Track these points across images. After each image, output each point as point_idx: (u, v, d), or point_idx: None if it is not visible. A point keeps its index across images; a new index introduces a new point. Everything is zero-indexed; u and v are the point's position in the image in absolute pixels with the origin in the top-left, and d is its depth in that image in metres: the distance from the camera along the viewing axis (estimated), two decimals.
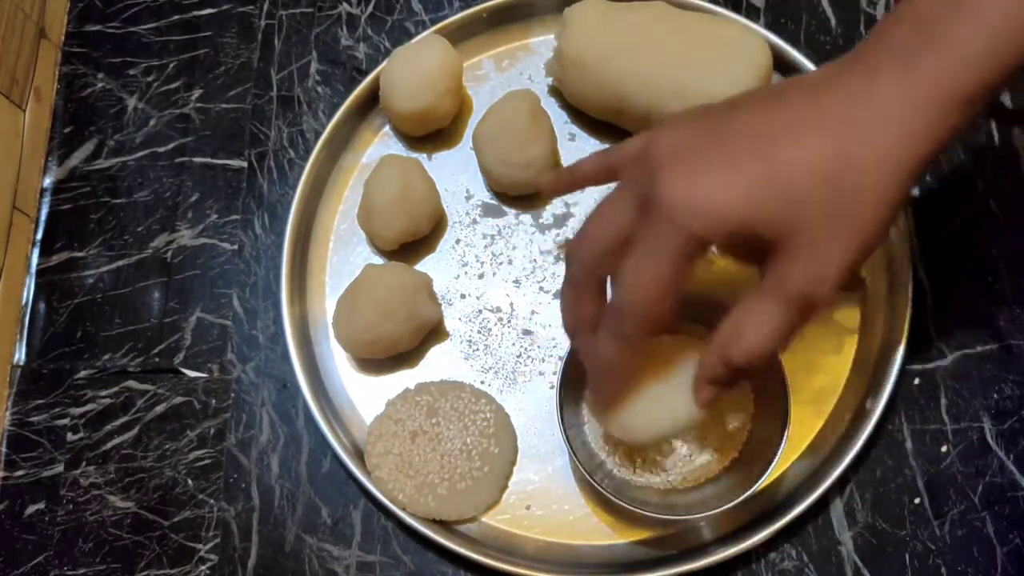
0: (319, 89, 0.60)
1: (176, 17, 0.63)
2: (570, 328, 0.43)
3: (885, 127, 0.35)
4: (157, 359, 0.56)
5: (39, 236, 0.59)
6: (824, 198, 0.35)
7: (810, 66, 0.55)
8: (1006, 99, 0.56)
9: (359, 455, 0.52)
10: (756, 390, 0.50)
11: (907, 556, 0.49)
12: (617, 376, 0.43)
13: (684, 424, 0.44)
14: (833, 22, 0.59)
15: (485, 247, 0.56)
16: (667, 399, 0.44)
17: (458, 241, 0.56)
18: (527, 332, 0.54)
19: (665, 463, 0.50)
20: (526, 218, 0.56)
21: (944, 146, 0.35)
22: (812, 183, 0.35)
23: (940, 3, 0.34)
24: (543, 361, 0.54)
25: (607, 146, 0.56)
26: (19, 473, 0.54)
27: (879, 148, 0.35)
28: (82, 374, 0.56)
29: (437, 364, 0.54)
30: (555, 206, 0.56)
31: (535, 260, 0.55)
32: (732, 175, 0.36)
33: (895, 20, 0.36)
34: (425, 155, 0.58)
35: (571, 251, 0.41)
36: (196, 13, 0.62)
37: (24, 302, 0.58)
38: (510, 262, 0.56)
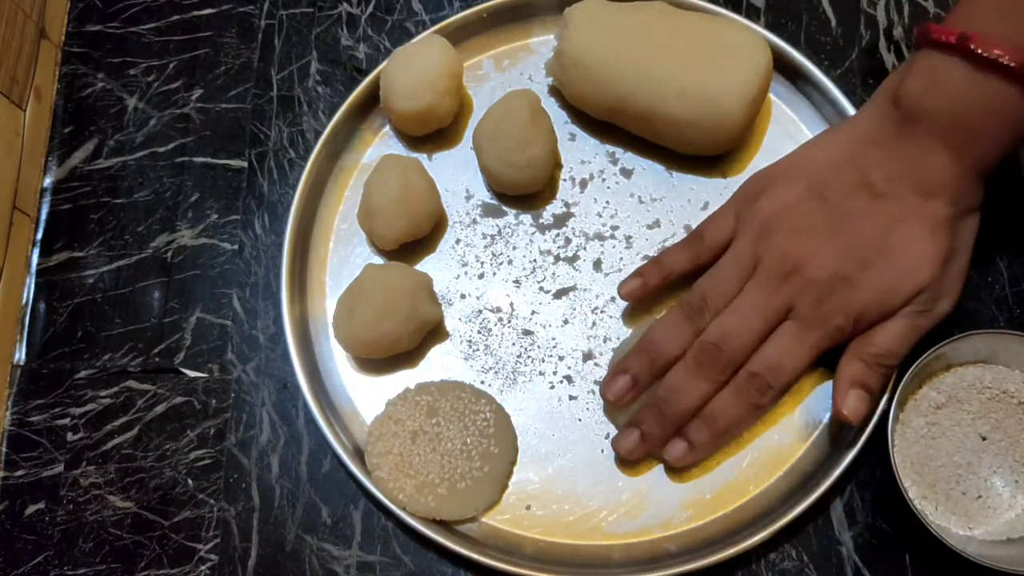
0: (319, 89, 0.60)
1: (176, 17, 0.63)
2: (688, 396, 0.49)
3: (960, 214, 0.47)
4: (157, 359, 0.56)
5: (39, 236, 0.59)
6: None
7: (810, 66, 0.55)
8: None
9: (359, 455, 0.52)
10: None
11: (907, 556, 0.49)
12: (729, 437, 0.50)
13: None
14: (833, 22, 0.59)
15: (485, 247, 0.56)
16: None
17: (458, 241, 0.56)
18: (527, 332, 0.54)
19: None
20: (526, 218, 0.56)
21: None
22: (929, 275, 0.46)
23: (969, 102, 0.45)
24: (543, 361, 0.54)
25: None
26: (19, 473, 0.54)
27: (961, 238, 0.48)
28: (82, 374, 0.56)
29: (437, 364, 0.54)
30: (555, 206, 0.56)
31: (535, 260, 0.56)
32: (868, 289, 0.46)
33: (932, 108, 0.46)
34: (425, 155, 0.58)
35: (719, 342, 0.48)
36: (196, 13, 0.62)
37: (24, 302, 0.58)
38: (510, 262, 0.56)
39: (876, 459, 0.50)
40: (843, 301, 0.47)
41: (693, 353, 0.48)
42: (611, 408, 0.51)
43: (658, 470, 0.51)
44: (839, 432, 0.51)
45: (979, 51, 0.43)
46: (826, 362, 0.52)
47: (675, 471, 0.51)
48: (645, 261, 0.54)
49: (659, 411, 0.49)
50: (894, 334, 0.47)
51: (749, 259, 0.49)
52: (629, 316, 0.54)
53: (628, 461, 0.51)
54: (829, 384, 0.52)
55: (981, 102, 0.44)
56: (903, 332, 0.47)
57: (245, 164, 0.59)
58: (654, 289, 0.52)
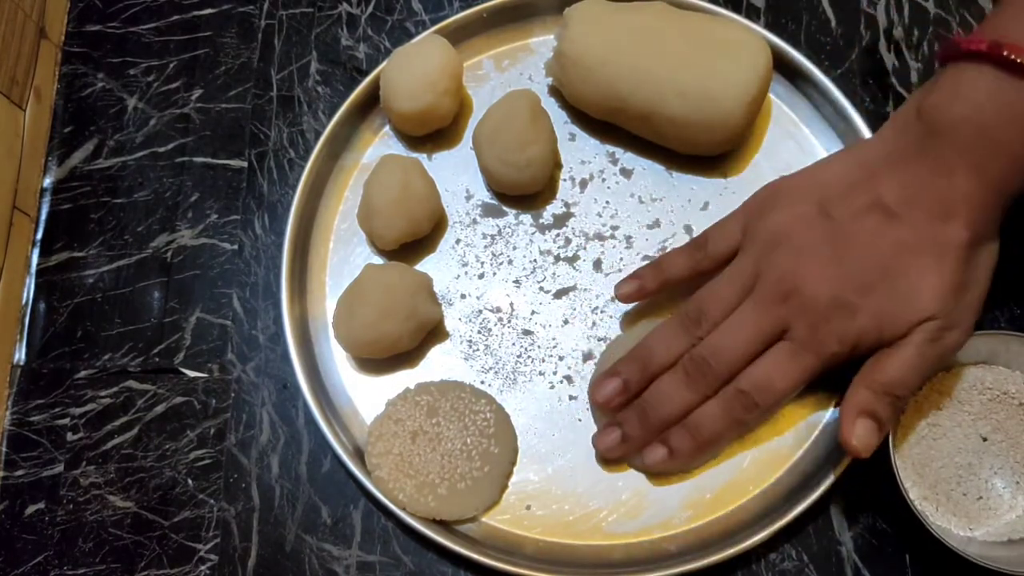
0: (319, 89, 0.60)
1: (176, 17, 0.63)
2: (677, 404, 0.48)
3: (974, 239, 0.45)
4: (157, 359, 0.56)
5: (39, 236, 0.59)
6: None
7: (810, 66, 0.55)
8: None
9: (359, 455, 0.52)
10: None
11: (907, 556, 0.49)
12: (710, 449, 0.50)
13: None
14: (833, 22, 0.59)
15: (485, 247, 0.56)
16: None
17: (458, 241, 0.56)
18: (527, 332, 0.54)
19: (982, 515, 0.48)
20: (526, 218, 0.56)
21: None
22: (933, 306, 0.44)
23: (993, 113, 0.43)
24: (543, 361, 0.54)
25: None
26: (19, 473, 0.54)
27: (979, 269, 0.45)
28: (82, 374, 0.56)
29: (437, 364, 0.54)
30: (555, 206, 0.56)
31: (535, 260, 0.55)
32: (866, 316, 0.45)
33: (955, 122, 0.44)
34: (425, 155, 0.58)
35: (709, 357, 0.47)
36: (196, 13, 0.62)
37: (24, 302, 0.58)
38: (510, 262, 0.56)
39: (876, 459, 0.50)
40: (840, 327, 0.45)
41: (683, 364, 0.48)
42: (598, 410, 0.52)
43: None
44: (839, 432, 0.50)
45: (1012, 56, 0.42)
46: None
47: (656, 476, 0.51)
48: (646, 261, 0.54)
49: (643, 414, 0.49)
50: (902, 363, 0.45)
51: (750, 275, 0.47)
52: (629, 317, 0.54)
53: (607, 459, 0.51)
54: (828, 385, 0.52)
55: (1008, 110, 0.43)
56: (912, 361, 0.45)
57: (245, 164, 0.59)
58: (651, 293, 0.52)
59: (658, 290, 0.52)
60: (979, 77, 0.43)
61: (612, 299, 0.54)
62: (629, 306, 0.54)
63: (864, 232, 0.46)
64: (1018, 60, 0.42)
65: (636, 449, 0.50)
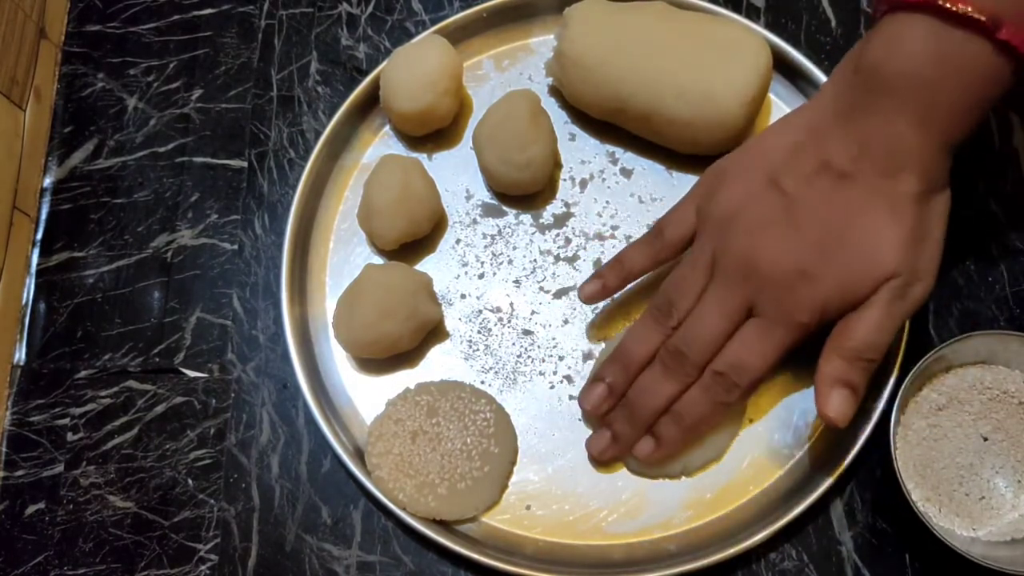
0: (319, 89, 0.60)
1: (176, 17, 0.63)
2: (655, 395, 0.49)
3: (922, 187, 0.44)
4: (157, 359, 0.56)
5: (39, 236, 0.59)
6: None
7: (810, 66, 0.55)
8: None
9: (359, 455, 0.52)
10: None
11: (907, 556, 0.49)
12: (696, 434, 0.49)
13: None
14: (833, 22, 0.59)
15: (485, 247, 0.56)
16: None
17: (458, 241, 0.56)
18: (527, 332, 0.54)
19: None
20: (526, 218, 0.56)
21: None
22: (894, 261, 0.44)
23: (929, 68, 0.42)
24: (543, 361, 0.54)
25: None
26: (19, 473, 0.54)
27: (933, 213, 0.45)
28: (82, 374, 0.56)
29: (437, 364, 0.54)
30: (555, 206, 0.56)
31: (535, 260, 0.55)
32: (828, 282, 0.44)
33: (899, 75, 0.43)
34: (425, 155, 0.58)
35: (682, 347, 0.47)
36: (196, 13, 0.62)
37: (24, 302, 0.58)
38: (510, 262, 0.56)
39: (876, 459, 0.50)
40: (804, 297, 0.45)
41: (660, 358, 0.48)
42: (589, 419, 0.52)
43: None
44: (839, 432, 0.50)
45: (948, 5, 0.40)
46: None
47: (656, 474, 0.51)
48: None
49: (629, 413, 0.49)
50: (870, 324, 0.44)
51: (708, 259, 0.47)
52: (621, 319, 0.54)
53: (602, 462, 0.51)
54: None
55: (947, 61, 0.42)
56: (879, 321, 0.44)
57: (245, 164, 0.59)
58: (614, 290, 0.52)
59: (621, 286, 0.52)
60: (916, 28, 0.42)
61: (612, 298, 0.54)
62: (612, 309, 0.54)
63: (816, 197, 0.45)
64: (954, 9, 0.41)
65: (627, 447, 0.50)
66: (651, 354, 0.49)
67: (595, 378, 0.50)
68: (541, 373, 0.53)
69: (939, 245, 0.45)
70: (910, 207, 0.44)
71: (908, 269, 0.44)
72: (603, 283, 0.51)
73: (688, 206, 0.50)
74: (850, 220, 0.44)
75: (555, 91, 0.58)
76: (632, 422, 0.49)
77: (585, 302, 0.53)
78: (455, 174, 0.57)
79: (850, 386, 0.45)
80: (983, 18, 0.40)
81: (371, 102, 0.58)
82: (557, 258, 0.55)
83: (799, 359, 0.52)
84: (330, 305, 0.55)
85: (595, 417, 0.51)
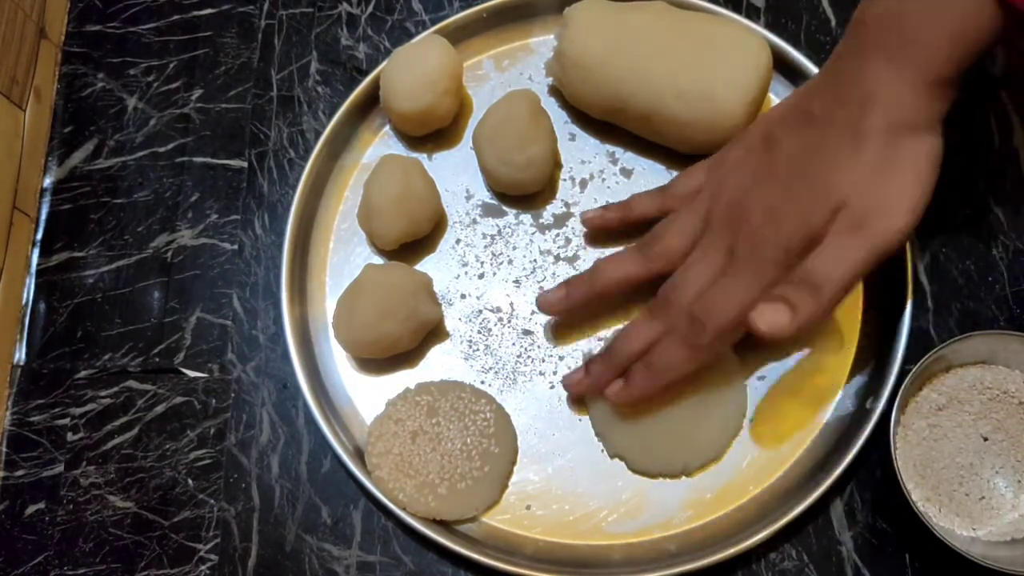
0: (319, 89, 0.60)
1: (176, 17, 0.63)
2: (637, 342, 0.49)
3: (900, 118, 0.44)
4: (157, 359, 0.56)
5: (39, 236, 0.59)
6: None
7: (810, 66, 0.55)
8: None
9: (359, 455, 0.52)
10: None
11: (907, 556, 0.49)
12: (665, 380, 0.49)
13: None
14: (833, 22, 0.59)
15: (485, 247, 0.56)
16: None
17: (458, 241, 0.56)
18: (527, 332, 0.54)
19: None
20: (526, 218, 0.56)
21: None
22: (844, 189, 0.44)
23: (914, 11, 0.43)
24: (543, 361, 0.54)
25: (602, 137, 0.56)
26: (19, 473, 0.54)
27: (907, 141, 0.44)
28: (82, 374, 0.56)
29: (437, 364, 0.54)
30: (555, 206, 0.56)
31: (535, 260, 0.55)
32: (790, 216, 0.45)
33: (877, 24, 0.44)
34: (425, 155, 0.58)
35: (670, 293, 0.48)
36: (196, 13, 0.62)
37: (24, 302, 0.58)
38: (510, 262, 0.56)
39: (876, 459, 0.50)
40: (771, 236, 0.45)
41: (648, 306, 0.50)
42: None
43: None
44: (839, 432, 0.51)
45: None
46: (823, 366, 0.52)
47: (657, 470, 0.51)
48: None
49: (607, 354, 0.50)
50: (822, 255, 0.44)
51: (704, 208, 0.49)
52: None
53: (573, 397, 0.52)
54: (828, 385, 0.52)
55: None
56: (832, 253, 0.44)
57: (245, 164, 0.59)
58: (615, 224, 0.54)
59: (620, 225, 0.54)
60: None
61: (611, 302, 0.54)
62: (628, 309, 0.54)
63: (794, 144, 0.47)
64: None
65: (599, 386, 0.50)
66: (622, 279, 0.51)
67: (560, 284, 0.52)
68: (541, 373, 0.53)
69: (917, 185, 0.44)
70: (873, 138, 0.43)
71: (862, 200, 0.43)
72: (604, 214, 0.54)
73: (700, 166, 0.52)
74: (815, 157, 0.45)
75: (555, 91, 0.58)
76: (607, 362, 0.50)
77: (585, 226, 0.55)
78: (455, 174, 0.57)
79: (786, 302, 0.44)
80: None
81: (371, 102, 0.58)
82: (557, 258, 0.55)
83: (799, 360, 0.52)
84: (330, 305, 0.55)
85: (548, 314, 0.53)
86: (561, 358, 0.54)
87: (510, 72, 0.59)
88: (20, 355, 0.57)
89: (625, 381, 0.49)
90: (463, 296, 0.55)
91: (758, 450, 0.51)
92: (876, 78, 0.44)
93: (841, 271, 0.43)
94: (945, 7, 0.42)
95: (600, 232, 0.55)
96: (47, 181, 0.60)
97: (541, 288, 0.55)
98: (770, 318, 0.43)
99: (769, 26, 0.58)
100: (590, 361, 0.51)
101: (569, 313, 0.53)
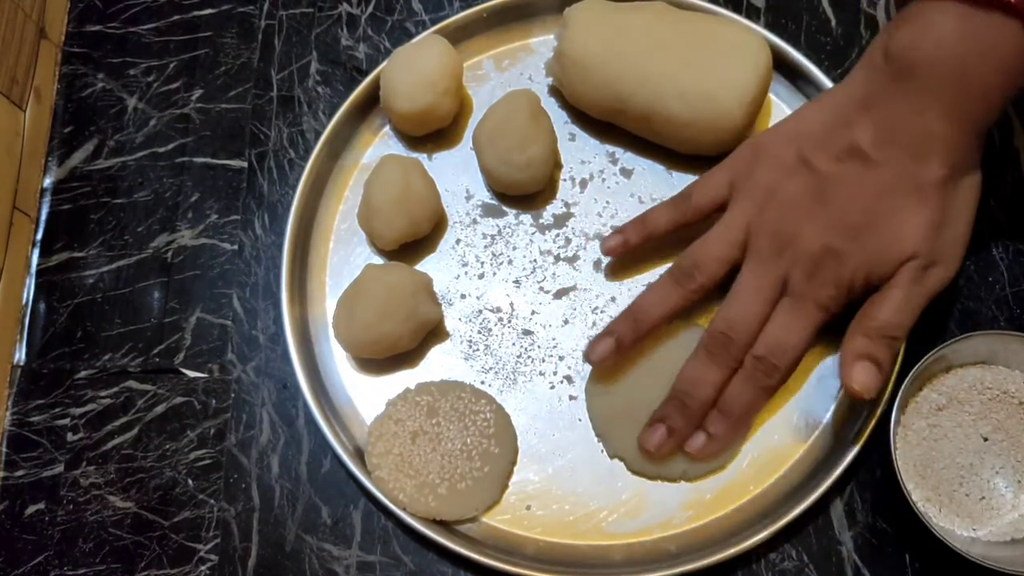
0: (319, 89, 0.60)
1: (176, 17, 0.63)
2: (703, 385, 0.49)
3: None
4: (157, 359, 0.56)
5: (39, 236, 0.59)
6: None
7: (810, 66, 0.55)
8: None
9: (359, 455, 0.52)
10: None
11: (907, 556, 0.49)
12: (745, 425, 0.50)
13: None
14: (833, 22, 0.59)
15: (485, 247, 0.56)
16: None
17: (458, 241, 0.56)
18: (527, 332, 0.54)
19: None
20: (526, 218, 0.56)
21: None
22: (914, 243, 0.46)
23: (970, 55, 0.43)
24: (543, 361, 0.54)
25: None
26: (19, 473, 0.54)
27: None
28: (82, 374, 0.56)
29: (437, 364, 0.54)
30: (555, 206, 0.56)
31: (535, 260, 0.55)
32: (855, 260, 0.46)
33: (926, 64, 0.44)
34: (425, 155, 0.58)
35: (726, 330, 0.48)
36: (196, 13, 0.62)
37: (24, 302, 0.58)
38: (510, 262, 0.56)
39: (876, 459, 0.50)
40: (832, 273, 0.46)
41: (704, 344, 0.49)
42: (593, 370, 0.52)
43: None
44: (839, 432, 0.51)
45: None
46: (823, 366, 0.52)
47: (700, 469, 0.51)
48: (645, 261, 0.54)
49: (681, 404, 0.49)
50: (892, 303, 0.46)
51: (741, 231, 0.49)
52: None
53: (659, 456, 0.50)
54: (828, 384, 0.52)
55: (976, 44, 0.42)
56: (900, 301, 0.46)
57: (245, 164, 0.59)
58: (635, 247, 0.52)
59: (642, 244, 0.52)
60: (945, 12, 0.43)
61: (612, 299, 0.54)
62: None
63: (845, 178, 0.46)
64: None
65: (683, 440, 0.50)
66: (666, 315, 0.50)
67: (605, 332, 0.50)
68: (541, 373, 0.53)
69: (964, 230, 0.47)
70: (934, 193, 0.45)
71: (928, 252, 0.46)
72: (625, 238, 0.52)
73: (721, 175, 0.51)
74: (877, 202, 0.46)
75: (555, 91, 0.58)
76: (685, 414, 0.49)
77: (606, 255, 0.54)
78: (455, 174, 0.57)
79: (873, 360, 0.46)
80: (1013, 0, 0.41)
81: (371, 102, 0.58)
82: (557, 258, 0.55)
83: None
84: (330, 305, 0.55)
85: (597, 372, 0.51)
86: (561, 358, 0.54)
87: (510, 72, 0.59)
88: (20, 355, 0.57)
89: (706, 435, 0.49)
90: (463, 296, 0.55)
91: (758, 450, 0.51)
92: (935, 129, 0.44)
93: (910, 321, 0.47)
94: (999, 59, 0.42)
95: (625, 257, 0.54)
96: (47, 181, 0.60)
97: (541, 288, 0.55)
98: (862, 378, 0.45)
99: (769, 26, 0.58)
100: (666, 417, 0.49)
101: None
